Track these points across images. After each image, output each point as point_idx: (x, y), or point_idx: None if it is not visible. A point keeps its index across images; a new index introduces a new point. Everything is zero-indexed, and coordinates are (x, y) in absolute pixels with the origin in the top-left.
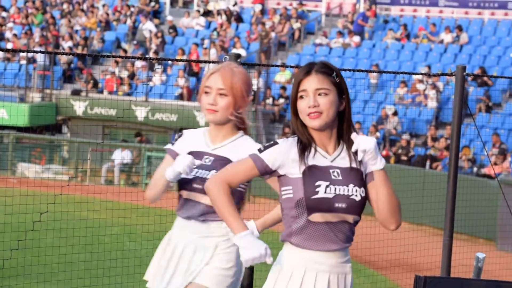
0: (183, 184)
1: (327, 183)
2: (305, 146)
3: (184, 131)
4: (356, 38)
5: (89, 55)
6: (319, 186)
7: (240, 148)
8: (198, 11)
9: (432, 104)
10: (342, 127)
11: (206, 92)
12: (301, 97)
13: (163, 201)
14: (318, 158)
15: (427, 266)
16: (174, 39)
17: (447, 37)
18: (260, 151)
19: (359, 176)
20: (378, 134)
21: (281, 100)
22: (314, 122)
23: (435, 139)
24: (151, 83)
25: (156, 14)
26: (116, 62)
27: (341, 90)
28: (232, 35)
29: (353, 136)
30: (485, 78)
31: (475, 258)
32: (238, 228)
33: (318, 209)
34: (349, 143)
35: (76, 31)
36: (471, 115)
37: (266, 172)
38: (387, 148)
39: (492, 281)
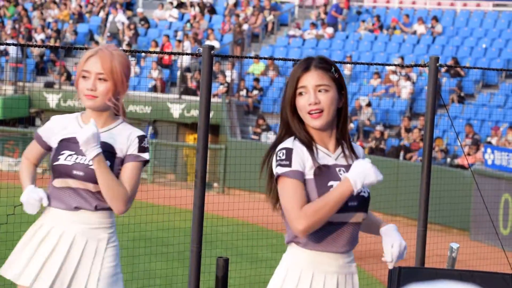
0: (60, 171)
1: (337, 182)
2: (307, 145)
3: (53, 117)
4: (330, 30)
5: (61, 47)
6: (331, 186)
7: (120, 136)
8: (171, 3)
9: (405, 95)
10: (340, 124)
11: (84, 77)
12: (300, 93)
13: (138, 193)
14: (323, 157)
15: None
16: (147, 31)
17: (420, 28)
18: (287, 165)
19: None
20: (352, 125)
21: (255, 92)
22: (315, 121)
23: (408, 130)
24: None
25: (129, 6)
26: None
27: (340, 85)
28: (206, 27)
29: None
30: (458, 69)
31: (449, 248)
32: (345, 186)
33: None
34: (347, 141)
35: (49, 24)
36: (444, 106)
37: (303, 179)
38: (361, 139)
39: (466, 271)
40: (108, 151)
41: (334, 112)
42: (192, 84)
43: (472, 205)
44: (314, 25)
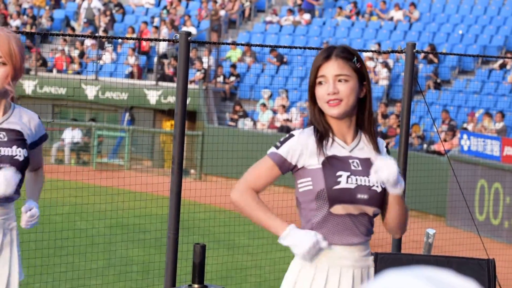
0: None
1: (348, 173)
2: (322, 135)
3: None
4: (307, 16)
5: (38, 33)
6: (340, 176)
7: (21, 120)
8: None
9: (382, 81)
10: (362, 115)
11: None
12: (320, 83)
13: (115, 180)
14: (337, 148)
15: (378, 243)
16: (124, 17)
17: (397, 14)
18: (277, 147)
19: None
20: None
21: (232, 78)
22: (333, 110)
23: (385, 116)
24: (101, 62)
25: None
26: (65, 41)
27: (362, 76)
28: (182, 13)
29: (374, 157)
30: (434, 55)
31: (426, 234)
32: (279, 228)
33: (340, 200)
34: (370, 133)
35: (24, 10)
36: (421, 92)
37: (288, 168)
38: None
39: (442, 257)
40: (21, 139)
41: (353, 102)
42: (169, 71)
43: (448, 191)
44: (291, 11)
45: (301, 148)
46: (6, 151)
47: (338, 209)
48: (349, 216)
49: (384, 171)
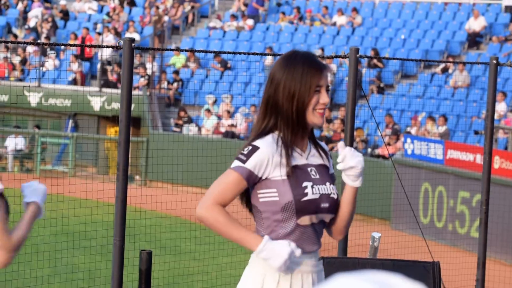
0: None
1: (311, 183)
2: (286, 145)
3: None
4: (250, 21)
5: None
6: (306, 187)
7: None
8: None
9: None
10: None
11: None
12: (315, 91)
13: (59, 187)
14: (296, 156)
15: (325, 247)
16: (66, 24)
17: (340, 19)
18: (242, 160)
19: (329, 174)
20: None
21: (175, 84)
22: (322, 119)
23: (329, 120)
24: (43, 69)
25: None
26: (6, 47)
27: None
28: (126, 19)
29: (341, 145)
30: (377, 60)
31: (371, 238)
32: (253, 242)
33: (307, 211)
34: (314, 138)
35: None
36: (364, 97)
37: (254, 181)
38: None
39: (388, 260)
40: None
41: None
42: (112, 77)
43: (393, 195)
44: (234, 17)
45: (267, 159)
46: None
47: (305, 220)
48: (312, 225)
49: (354, 158)
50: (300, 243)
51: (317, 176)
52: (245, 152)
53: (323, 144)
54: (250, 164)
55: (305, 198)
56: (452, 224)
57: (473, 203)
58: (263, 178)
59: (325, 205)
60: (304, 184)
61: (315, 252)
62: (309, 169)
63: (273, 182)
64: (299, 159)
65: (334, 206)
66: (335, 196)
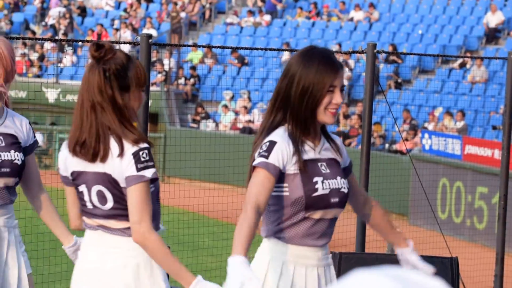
0: None
1: (321, 178)
2: (296, 139)
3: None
4: (267, 17)
5: None
6: (316, 183)
7: (17, 122)
8: None
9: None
10: None
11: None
12: (330, 91)
13: None
14: (307, 150)
15: (342, 243)
16: (84, 20)
17: (357, 14)
18: (265, 156)
19: (340, 168)
20: None
21: (192, 80)
22: (333, 118)
23: (347, 116)
24: (61, 65)
25: None
26: (24, 44)
27: None
28: (143, 15)
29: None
30: (395, 55)
31: None
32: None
33: (317, 206)
34: (326, 132)
35: None
36: (382, 92)
37: (278, 176)
38: None
39: None
40: (17, 143)
41: None
42: None
43: (411, 190)
44: (251, 12)
45: (286, 153)
46: (5, 155)
47: (314, 214)
48: (322, 220)
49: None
50: (308, 237)
51: (328, 171)
52: (265, 149)
53: (335, 137)
54: (273, 159)
55: (316, 194)
56: (470, 220)
57: (491, 199)
58: (283, 172)
59: (335, 200)
60: (315, 179)
61: (321, 247)
62: (319, 163)
63: (286, 176)
64: (310, 153)
65: (345, 200)
66: (345, 191)
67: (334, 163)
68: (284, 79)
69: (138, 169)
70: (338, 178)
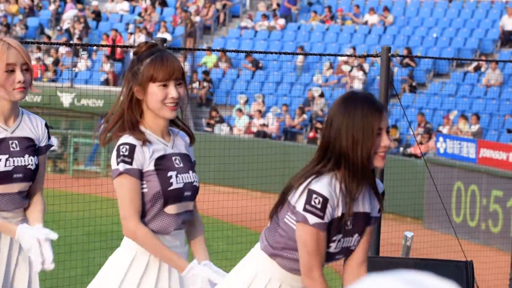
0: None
1: (341, 235)
2: (349, 191)
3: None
4: (281, 21)
5: None
6: (334, 241)
7: (34, 123)
8: None
9: (358, 85)
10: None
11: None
12: (378, 134)
13: (92, 187)
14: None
15: None
16: (98, 24)
17: (371, 18)
18: (317, 215)
19: (364, 223)
20: (305, 116)
21: (205, 84)
22: (383, 162)
23: None
24: (76, 69)
25: None
26: (39, 48)
27: None
28: (157, 20)
29: None
30: (409, 59)
31: (404, 237)
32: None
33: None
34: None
35: None
36: (396, 96)
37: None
38: (314, 130)
39: (420, 259)
40: (32, 146)
41: None
42: None
43: (425, 194)
44: (265, 16)
45: (332, 207)
46: (19, 161)
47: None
48: None
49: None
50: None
51: (350, 227)
52: (317, 206)
53: (380, 185)
54: (327, 217)
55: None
56: (485, 223)
57: (507, 202)
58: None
59: (337, 253)
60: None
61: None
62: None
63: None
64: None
65: (347, 252)
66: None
67: (362, 217)
68: (330, 129)
69: (117, 163)
70: (356, 235)
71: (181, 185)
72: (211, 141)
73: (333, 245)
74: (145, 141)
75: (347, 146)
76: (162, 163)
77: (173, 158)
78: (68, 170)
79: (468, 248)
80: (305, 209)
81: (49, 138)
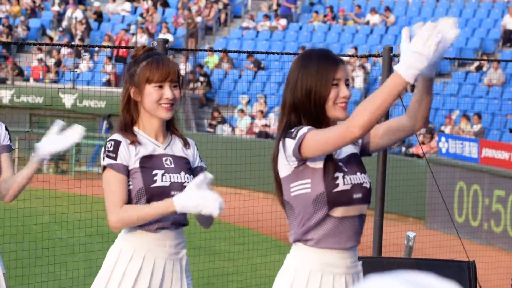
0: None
1: (342, 174)
2: None
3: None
4: (283, 21)
5: (14, 43)
6: (337, 178)
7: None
8: None
9: (359, 85)
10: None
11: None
12: (335, 85)
13: (94, 188)
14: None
15: (359, 247)
16: (100, 25)
17: (373, 18)
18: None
19: (361, 162)
20: None
21: (203, 80)
22: (344, 112)
23: None
24: (78, 70)
25: (81, 0)
26: (41, 50)
27: None
28: (159, 20)
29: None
30: None
31: (406, 237)
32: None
33: (339, 203)
34: None
35: (0, 19)
36: (398, 95)
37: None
38: None
39: (423, 259)
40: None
41: None
42: None
43: (428, 194)
44: (267, 16)
45: None
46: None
47: (337, 212)
48: (344, 219)
49: (451, 30)
50: (333, 238)
51: (346, 168)
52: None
53: None
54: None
55: (336, 190)
56: (488, 223)
57: (509, 202)
58: (303, 163)
59: (358, 195)
60: (336, 174)
61: (350, 250)
62: (339, 161)
63: (310, 170)
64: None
65: (368, 196)
66: (367, 186)
67: (353, 158)
68: (287, 86)
69: (103, 158)
70: (359, 173)
71: (166, 184)
72: (213, 141)
73: (339, 182)
74: (134, 142)
75: (301, 97)
76: (148, 162)
77: (164, 158)
78: (70, 172)
79: (470, 248)
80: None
81: (9, 140)
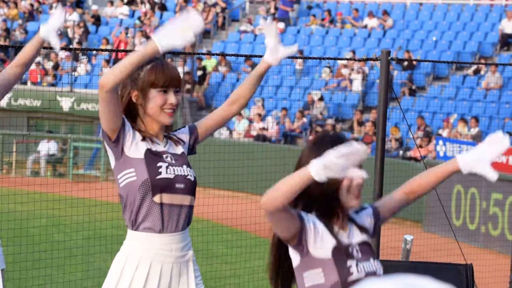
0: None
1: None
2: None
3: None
4: (281, 25)
5: (12, 46)
6: (160, 166)
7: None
8: (122, 0)
9: (357, 88)
10: None
11: (164, 91)
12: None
13: (92, 191)
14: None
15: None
16: (98, 29)
17: (370, 22)
18: None
19: (371, 248)
20: (305, 119)
21: (201, 84)
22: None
23: (361, 123)
24: (75, 74)
25: (79, 3)
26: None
27: None
28: (157, 24)
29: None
30: (409, 62)
31: (403, 240)
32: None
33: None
34: None
35: None
36: (396, 99)
37: None
38: (314, 134)
39: (420, 263)
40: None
41: None
42: None
43: (425, 197)
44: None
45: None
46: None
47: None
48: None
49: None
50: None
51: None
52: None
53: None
54: None
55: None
56: (485, 226)
57: (506, 205)
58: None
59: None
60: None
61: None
62: (164, 155)
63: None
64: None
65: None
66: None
67: (364, 246)
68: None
69: None
70: (371, 259)
71: (171, 176)
72: (211, 144)
73: (353, 270)
74: (139, 131)
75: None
76: (152, 155)
77: (165, 155)
78: (68, 175)
79: (468, 251)
80: None
81: None
